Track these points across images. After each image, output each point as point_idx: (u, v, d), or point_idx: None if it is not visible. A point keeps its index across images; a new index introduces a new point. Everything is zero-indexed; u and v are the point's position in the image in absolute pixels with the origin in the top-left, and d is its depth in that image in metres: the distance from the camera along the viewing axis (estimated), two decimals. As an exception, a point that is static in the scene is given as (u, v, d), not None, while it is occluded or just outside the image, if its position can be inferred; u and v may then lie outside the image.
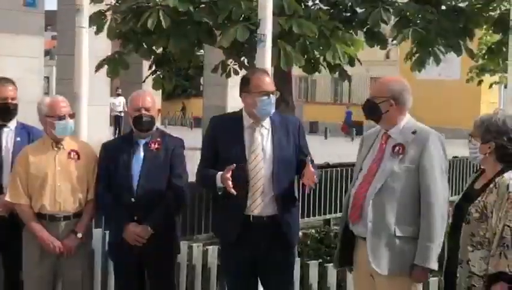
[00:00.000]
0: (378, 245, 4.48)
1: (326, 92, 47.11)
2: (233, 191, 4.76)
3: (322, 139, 34.71)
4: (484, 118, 4.24)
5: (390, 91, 4.61)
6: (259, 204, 4.88)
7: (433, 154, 4.51)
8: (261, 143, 4.95)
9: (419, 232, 4.45)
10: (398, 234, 4.47)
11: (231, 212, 4.92)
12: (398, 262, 4.47)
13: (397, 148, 4.56)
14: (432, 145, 4.52)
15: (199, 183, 5.12)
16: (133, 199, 5.20)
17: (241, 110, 5.07)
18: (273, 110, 4.98)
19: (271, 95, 4.93)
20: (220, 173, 4.81)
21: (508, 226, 3.96)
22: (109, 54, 8.55)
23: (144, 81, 9.45)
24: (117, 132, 27.63)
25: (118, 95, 27.83)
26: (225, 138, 4.98)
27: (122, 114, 27.36)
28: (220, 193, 4.85)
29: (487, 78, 14.16)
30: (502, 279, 3.96)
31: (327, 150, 23.08)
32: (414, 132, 4.57)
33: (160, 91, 12.39)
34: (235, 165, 4.75)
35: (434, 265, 4.47)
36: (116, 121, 28.11)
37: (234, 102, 22.36)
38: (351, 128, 37.73)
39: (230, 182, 4.74)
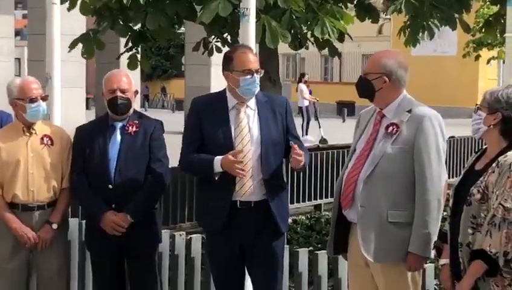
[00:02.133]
0: (369, 231, 4.48)
1: (316, 71, 47.11)
2: (243, 173, 4.77)
3: (312, 120, 34.71)
4: (495, 89, 4.22)
5: (384, 67, 4.57)
6: (248, 189, 4.88)
7: (429, 135, 4.47)
8: (247, 124, 4.94)
9: (413, 218, 4.45)
10: (390, 219, 4.46)
11: (218, 199, 4.91)
12: (391, 249, 4.47)
13: (391, 128, 4.53)
14: (428, 125, 4.48)
15: (188, 169, 5.12)
16: (110, 186, 5.18)
17: (224, 90, 5.05)
18: (257, 90, 4.95)
19: (255, 73, 4.90)
20: (218, 157, 4.80)
21: (502, 205, 3.97)
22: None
23: (118, 58, 9.38)
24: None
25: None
26: (209, 120, 4.95)
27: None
28: (216, 179, 4.84)
29: (485, 53, 14.18)
30: (482, 257, 3.99)
31: (317, 131, 23.11)
32: (409, 111, 4.54)
33: (139, 71, 12.35)
34: (238, 150, 4.78)
35: (429, 253, 4.48)
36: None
37: (218, 82, 22.28)
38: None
39: (238, 165, 4.75)
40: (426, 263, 4.74)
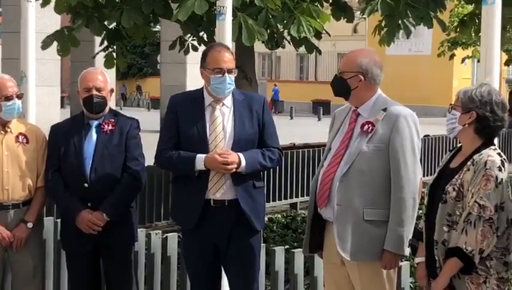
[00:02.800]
0: (345, 230, 4.49)
1: (291, 70, 47.17)
2: (230, 167, 4.78)
3: (288, 119, 34.81)
4: (469, 88, 4.24)
5: (360, 66, 4.58)
6: (220, 187, 4.88)
7: (404, 134, 4.49)
8: (222, 122, 4.93)
9: (389, 216, 4.46)
10: (367, 217, 4.48)
11: (191, 197, 4.92)
12: (367, 247, 4.48)
13: (366, 126, 4.55)
14: (403, 123, 4.50)
15: (166, 165, 5.12)
16: (86, 184, 5.15)
17: (202, 87, 5.05)
18: (228, 90, 4.93)
19: (226, 73, 4.88)
20: (200, 155, 4.81)
21: (477, 203, 4.01)
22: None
23: (94, 57, 9.35)
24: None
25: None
26: (186, 117, 4.96)
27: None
28: (195, 176, 4.84)
29: (460, 52, 14.26)
30: (457, 255, 4.02)
31: (293, 130, 23.16)
32: (385, 109, 4.56)
33: (114, 70, 12.30)
34: (225, 150, 4.80)
35: (404, 251, 4.49)
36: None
37: (194, 80, 22.32)
38: (276, 104, 38.71)
39: (224, 165, 4.77)
40: (401, 261, 4.76)
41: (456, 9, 12.98)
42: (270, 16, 7.15)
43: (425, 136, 14.80)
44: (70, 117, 5.52)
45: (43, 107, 14.31)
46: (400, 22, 7.97)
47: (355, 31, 40.51)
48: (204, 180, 4.87)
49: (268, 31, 7.29)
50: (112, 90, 5.34)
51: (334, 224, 4.52)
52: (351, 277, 4.62)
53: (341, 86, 4.65)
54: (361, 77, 4.58)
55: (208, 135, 4.91)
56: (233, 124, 4.93)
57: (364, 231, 4.48)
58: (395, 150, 4.48)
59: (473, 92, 4.19)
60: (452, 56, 14.09)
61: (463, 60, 14.37)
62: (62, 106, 24.41)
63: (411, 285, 5.43)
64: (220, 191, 4.88)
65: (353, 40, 37.25)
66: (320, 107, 36.66)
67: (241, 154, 4.85)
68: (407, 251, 4.50)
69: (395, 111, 4.55)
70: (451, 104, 4.27)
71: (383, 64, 4.67)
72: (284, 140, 12.92)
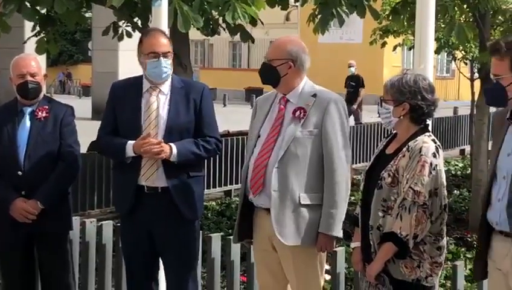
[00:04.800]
0: (283, 215, 4.52)
1: (224, 57, 47.09)
2: (161, 155, 4.75)
3: (221, 106, 34.77)
4: (394, 79, 4.29)
5: (290, 53, 4.63)
6: (152, 174, 4.86)
7: (335, 119, 4.57)
8: (157, 109, 4.90)
9: None
10: (303, 202, 4.53)
11: (125, 182, 4.92)
12: (304, 231, 4.53)
13: (298, 112, 4.59)
14: (334, 108, 4.57)
15: (103, 151, 5.11)
16: (19, 172, 5.08)
17: (142, 74, 5.02)
18: (164, 74, 4.90)
19: (161, 57, 4.86)
20: (131, 141, 4.79)
21: (412, 188, 4.07)
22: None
23: (25, 42, 9.17)
24: None
25: None
26: (123, 104, 4.95)
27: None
28: (128, 163, 4.83)
29: (391, 40, 14.42)
30: (392, 240, 4.08)
31: (226, 117, 23.12)
32: (314, 95, 4.62)
33: (45, 56, 12.07)
34: (147, 134, 4.77)
35: (338, 233, 4.55)
36: None
37: (127, 67, 22.09)
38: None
39: (145, 147, 4.74)
40: (337, 246, 4.81)
41: (389, -3, 13.16)
42: (205, 3, 7.10)
43: (357, 123, 15.00)
44: (3, 104, 5.41)
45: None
46: (333, 10, 8.00)
47: (287, 19, 40.60)
48: (136, 166, 4.85)
49: (204, 17, 7.24)
50: (45, 76, 5.27)
51: (272, 209, 4.54)
52: (283, 263, 4.66)
53: (270, 74, 4.67)
54: (291, 64, 4.62)
55: (142, 121, 4.88)
56: (168, 112, 4.90)
57: (301, 216, 4.53)
58: (327, 134, 4.54)
59: (399, 83, 4.24)
60: (384, 44, 14.23)
61: (394, 48, 14.51)
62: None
63: (345, 271, 5.50)
64: (151, 178, 4.86)
65: (285, 28, 37.35)
66: (253, 95, 36.65)
67: (172, 144, 4.82)
68: (341, 232, 4.56)
69: (325, 96, 4.61)
70: (381, 98, 4.33)
71: (307, 51, 4.71)
72: (218, 128, 12.84)
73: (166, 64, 4.89)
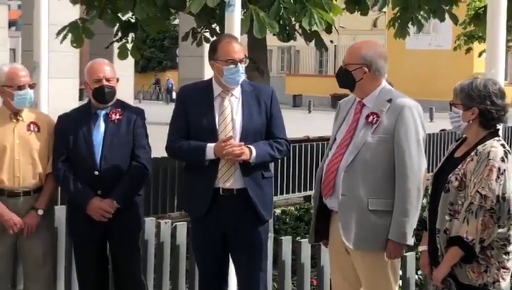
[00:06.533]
0: (349, 219, 4.54)
1: (310, 64, 47.10)
2: (242, 157, 4.84)
3: (306, 113, 34.82)
4: (464, 83, 4.27)
5: (364, 58, 4.62)
6: (229, 177, 4.94)
7: (409, 125, 4.53)
8: (231, 113, 4.99)
9: (393, 206, 4.50)
10: (371, 207, 4.52)
11: (201, 186, 4.99)
12: (370, 237, 4.53)
13: (371, 117, 4.59)
14: (408, 114, 4.54)
15: (177, 155, 5.16)
16: (96, 172, 5.22)
17: (211, 78, 5.12)
18: (241, 79, 5.00)
19: (238, 63, 4.95)
20: (210, 144, 4.88)
21: (479, 193, 4.05)
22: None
23: (108, 47, 9.40)
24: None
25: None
26: (195, 108, 5.02)
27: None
28: (205, 166, 4.91)
29: (477, 46, 14.22)
30: (458, 244, 4.07)
31: (310, 124, 23.18)
32: (389, 100, 4.60)
33: (133, 63, 12.36)
34: (229, 136, 4.85)
35: (409, 241, 4.52)
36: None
37: (212, 73, 22.09)
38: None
39: (228, 150, 4.82)
40: (406, 252, 4.80)
41: (472, 2, 12.96)
42: (282, 8, 7.18)
43: (441, 130, 14.78)
44: (77, 107, 5.59)
45: (61, 99, 14.40)
46: (412, 15, 7.98)
47: (375, 25, 40.41)
48: (213, 169, 4.93)
49: (281, 23, 7.32)
50: (118, 80, 5.39)
51: (338, 213, 4.58)
52: (356, 266, 4.67)
53: (346, 78, 4.69)
54: (366, 69, 4.61)
55: (217, 125, 4.97)
56: (242, 115, 4.99)
57: (368, 221, 4.53)
58: (400, 140, 4.51)
59: (469, 88, 4.22)
60: (468, 50, 14.05)
61: (480, 54, 14.29)
62: (81, 98, 24.51)
63: (420, 277, 5.47)
64: (229, 180, 4.94)
65: (373, 34, 37.16)
66: (338, 102, 36.63)
67: (251, 146, 4.91)
68: (412, 241, 4.54)
69: (400, 102, 4.58)
70: (451, 102, 4.31)
71: (387, 56, 4.71)
72: (300, 133, 12.92)
73: (243, 70, 5.00)
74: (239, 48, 5.01)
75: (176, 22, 24.94)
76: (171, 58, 48.89)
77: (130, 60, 9.80)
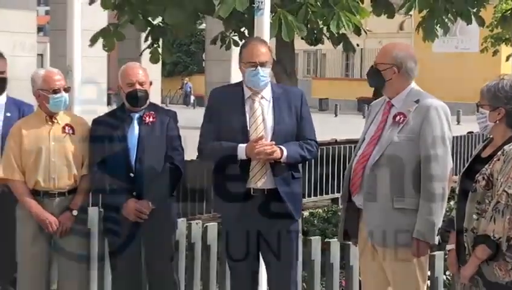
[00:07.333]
0: (374, 217, 4.62)
1: (337, 67, 47.02)
2: (275, 156, 4.92)
3: (332, 116, 34.79)
4: (490, 84, 4.32)
5: (394, 58, 4.70)
6: (260, 177, 5.03)
7: (435, 125, 4.60)
8: (262, 114, 5.08)
9: (418, 205, 4.57)
10: (396, 205, 4.59)
11: (233, 186, 5.07)
12: (395, 235, 4.60)
13: (398, 117, 4.67)
14: (434, 115, 4.61)
15: (210, 156, 5.22)
16: (131, 174, 5.33)
17: (241, 81, 5.21)
18: (262, 83, 5.07)
19: (258, 66, 5.02)
20: (242, 145, 4.96)
21: (506, 192, 4.10)
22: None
23: (141, 54, 9.54)
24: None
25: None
26: (226, 109, 5.11)
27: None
28: (236, 166, 5.00)
29: (504, 49, 14.20)
30: (485, 242, 4.13)
31: (336, 127, 23.17)
32: (417, 101, 4.67)
33: (160, 68, 12.50)
34: (260, 136, 4.94)
35: (433, 240, 4.58)
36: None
37: (239, 77, 22.14)
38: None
39: (260, 149, 4.90)
40: (432, 250, 4.86)
41: (500, 4, 12.95)
42: (310, 12, 7.26)
43: (469, 132, 14.77)
44: (111, 110, 5.69)
45: (90, 103, 14.54)
46: (438, 18, 8.03)
47: (401, 28, 40.30)
48: (245, 169, 5.02)
49: (308, 26, 7.40)
50: (150, 83, 5.49)
51: (364, 211, 4.66)
52: (384, 265, 4.74)
53: (376, 77, 4.78)
54: (396, 69, 4.69)
55: (248, 126, 5.06)
56: (273, 117, 5.08)
57: (393, 219, 4.59)
58: (426, 140, 4.58)
59: (496, 89, 4.28)
60: (495, 52, 14.04)
61: (507, 58, 14.27)
62: (109, 103, 24.69)
63: (448, 277, 5.51)
64: (261, 180, 5.03)
65: (399, 37, 37.05)
66: (365, 105, 36.50)
67: (281, 146, 4.99)
68: (436, 239, 4.60)
69: (427, 102, 4.65)
70: (478, 103, 4.38)
71: (417, 59, 4.78)
72: (327, 137, 12.91)
73: (264, 73, 5.06)
74: (262, 51, 5.08)
75: (202, 26, 25.07)
76: (197, 62, 49.05)
77: (157, 65, 9.92)
